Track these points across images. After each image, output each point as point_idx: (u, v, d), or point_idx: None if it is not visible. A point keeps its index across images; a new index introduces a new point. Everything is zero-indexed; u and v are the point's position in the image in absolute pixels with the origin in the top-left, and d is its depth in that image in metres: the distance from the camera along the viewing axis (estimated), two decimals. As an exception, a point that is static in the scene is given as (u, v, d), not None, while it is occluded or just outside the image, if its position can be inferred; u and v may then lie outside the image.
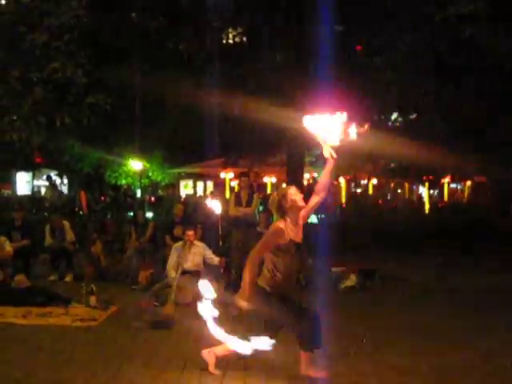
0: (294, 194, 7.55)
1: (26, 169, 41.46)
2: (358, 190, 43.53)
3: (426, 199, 40.29)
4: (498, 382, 7.60)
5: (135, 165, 32.47)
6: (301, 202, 7.55)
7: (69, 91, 17.83)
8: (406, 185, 43.18)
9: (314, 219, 31.10)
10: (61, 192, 32.84)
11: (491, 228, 22.55)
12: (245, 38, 20.22)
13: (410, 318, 10.91)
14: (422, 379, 7.53)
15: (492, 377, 7.67)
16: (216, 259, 12.95)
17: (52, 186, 30.24)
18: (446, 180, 40.70)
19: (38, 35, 16.88)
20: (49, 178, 31.82)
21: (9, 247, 14.77)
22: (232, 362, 7.88)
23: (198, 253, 12.84)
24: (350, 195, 42.30)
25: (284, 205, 7.50)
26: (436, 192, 45.73)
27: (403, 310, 11.70)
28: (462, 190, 47.22)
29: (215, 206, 12.76)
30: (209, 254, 13.02)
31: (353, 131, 7.17)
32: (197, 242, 13.02)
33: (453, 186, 46.26)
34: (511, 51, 16.45)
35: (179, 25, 18.95)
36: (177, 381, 7.35)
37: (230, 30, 20.49)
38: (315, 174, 38.31)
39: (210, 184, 46.07)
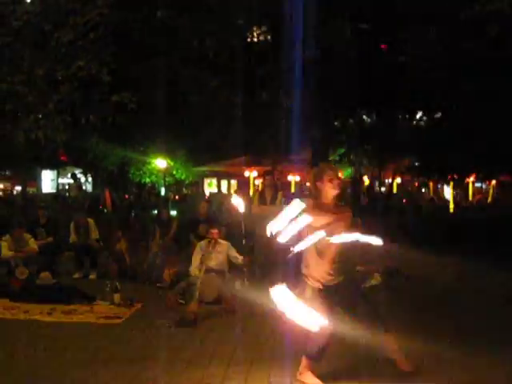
0: (331, 175, 7.01)
1: (50, 167, 41.73)
2: (383, 189, 43.38)
3: (450, 198, 40.06)
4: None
5: (159, 163, 32.52)
6: (334, 188, 7.01)
7: (94, 89, 17.89)
8: (431, 184, 42.95)
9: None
10: (85, 192, 33.07)
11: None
12: (269, 37, 20.20)
13: (434, 317, 10.84)
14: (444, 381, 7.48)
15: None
16: (240, 258, 12.93)
17: (78, 186, 30.46)
18: (471, 179, 40.47)
19: (64, 33, 16.94)
20: (73, 176, 32.03)
21: (34, 245, 14.88)
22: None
23: (223, 251, 12.84)
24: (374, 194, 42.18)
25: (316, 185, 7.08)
26: (457, 191, 45.49)
27: (427, 309, 11.62)
28: (486, 190, 46.93)
29: (239, 203, 12.63)
30: (233, 252, 13.00)
31: None
32: (221, 241, 13.02)
33: (477, 185, 45.97)
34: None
35: (205, 22, 18.97)
36: (200, 379, 7.35)
37: (254, 28, 20.49)
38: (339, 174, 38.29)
39: (234, 182, 46.11)
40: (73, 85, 17.51)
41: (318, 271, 7.14)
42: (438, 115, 24.97)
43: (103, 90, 17.84)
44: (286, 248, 6.43)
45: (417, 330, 9.28)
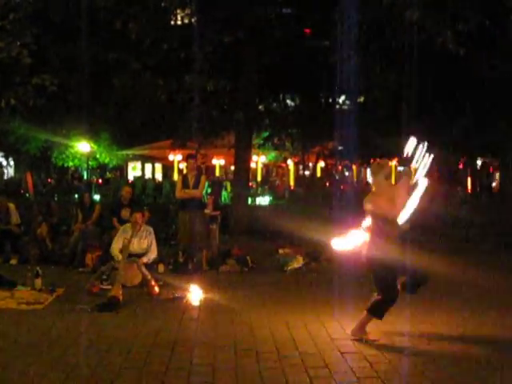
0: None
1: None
2: (307, 173, 43.74)
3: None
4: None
5: (82, 146, 32.22)
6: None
7: (14, 71, 17.57)
8: (354, 167, 43.48)
9: (265, 202, 31.30)
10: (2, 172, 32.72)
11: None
12: (193, 20, 20.05)
13: (351, 297, 10.92)
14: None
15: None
16: (152, 251, 12.80)
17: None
18: (394, 163, 41.05)
19: (-17, 14, 16.59)
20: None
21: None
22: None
23: (145, 236, 12.78)
24: (298, 178, 42.51)
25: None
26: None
27: (345, 290, 11.65)
28: (407, 173, 47.60)
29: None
30: (151, 240, 12.85)
31: None
32: (144, 226, 12.96)
33: (400, 169, 46.64)
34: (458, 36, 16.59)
35: (128, 4, 18.73)
36: (123, 363, 7.33)
37: (178, 11, 20.31)
38: (263, 157, 38.46)
39: (158, 166, 46.02)
40: (-8, 67, 17.18)
41: None
42: (361, 99, 25.23)
43: (24, 73, 17.53)
44: None
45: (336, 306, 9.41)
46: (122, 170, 44.45)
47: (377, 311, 8.36)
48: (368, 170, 45.45)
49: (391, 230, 8.16)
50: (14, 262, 15.00)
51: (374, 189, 8.54)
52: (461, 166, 39.84)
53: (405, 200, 8.00)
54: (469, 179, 38.88)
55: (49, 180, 39.06)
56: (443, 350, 7.98)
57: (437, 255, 14.40)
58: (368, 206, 8.32)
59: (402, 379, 6.96)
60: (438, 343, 8.28)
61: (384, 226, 8.21)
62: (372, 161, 36.11)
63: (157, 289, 11.44)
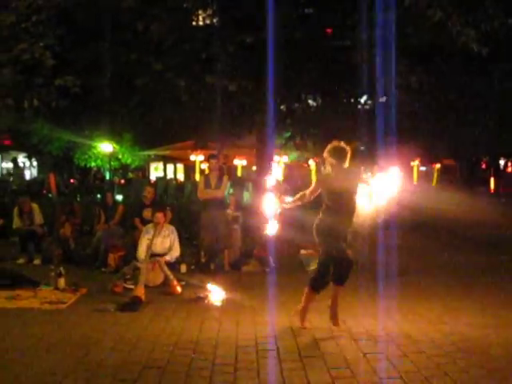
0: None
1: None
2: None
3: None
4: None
5: (105, 147, 32.30)
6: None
7: (37, 73, 17.65)
8: (376, 168, 43.32)
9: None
10: (22, 173, 32.94)
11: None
12: (215, 20, 20.07)
13: (374, 297, 10.90)
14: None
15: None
16: (174, 249, 12.88)
17: (16, 167, 30.35)
18: (416, 163, 40.87)
19: (6, 16, 16.66)
20: (14, 161, 31.90)
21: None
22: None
23: (167, 235, 12.83)
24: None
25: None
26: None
27: (363, 291, 11.61)
28: (429, 173, 47.45)
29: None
30: (174, 238, 12.91)
31: None
32: (166, 225, 13.01)
33: (422, 168, 46.43)
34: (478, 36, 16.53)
35: (150, 5, 18.78)
36: (145, 363, 7.36)
37: (199, 11, 20.34)
38: (285, 157, 38.44)
39: (180, 166, 46.05)
40: (16, 68, 17.26)
41: None
42: (384, 99, 25.18)
43: (47, 74, 17.61)
44: None
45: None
46: (144, 170, 44.54)
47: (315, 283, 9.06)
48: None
49: (339, 207, 8.87)
50: (37, 261, 15.10)
51: (327, 169, 8.95)
52: (484, 166, 39.63)
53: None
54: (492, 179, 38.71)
55: (71, 180, 39.23)
56: (466, 351, 7.93)
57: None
58: (320, 185, 9.05)
59: (425, 380, 6.92)
60: (461, 344, 8.23)
61: (332, 204, 8.88)
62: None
63: (179, 289, 11.50)
